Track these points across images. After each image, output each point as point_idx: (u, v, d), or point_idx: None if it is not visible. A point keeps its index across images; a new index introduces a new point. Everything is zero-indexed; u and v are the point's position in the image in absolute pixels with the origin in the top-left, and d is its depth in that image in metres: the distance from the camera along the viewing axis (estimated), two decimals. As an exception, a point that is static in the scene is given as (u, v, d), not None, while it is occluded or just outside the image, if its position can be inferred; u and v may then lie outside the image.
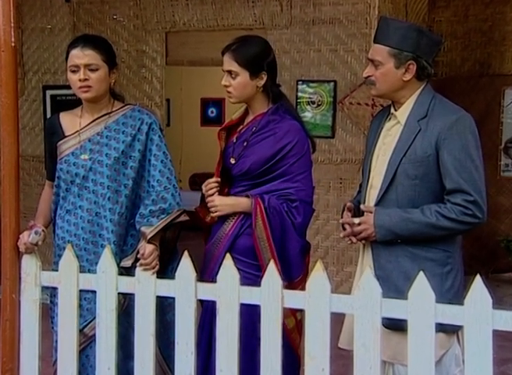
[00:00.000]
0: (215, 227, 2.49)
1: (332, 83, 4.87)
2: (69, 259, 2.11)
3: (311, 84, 4.92)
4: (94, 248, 2.35)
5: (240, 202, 2.40)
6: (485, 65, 5.91)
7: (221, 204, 2.41)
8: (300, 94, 4.91)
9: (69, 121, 2.47)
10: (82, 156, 2.40)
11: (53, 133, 2.48)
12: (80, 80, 2.34)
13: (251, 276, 2.31)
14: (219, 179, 2.48)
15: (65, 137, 2.44)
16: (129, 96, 5.45)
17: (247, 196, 2.39)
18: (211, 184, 2.45)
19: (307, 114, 4.87)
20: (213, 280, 1.98)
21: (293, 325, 2.39)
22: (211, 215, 2.46)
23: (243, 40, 2.47)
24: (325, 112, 4.92)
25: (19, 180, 2.25)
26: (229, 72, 2.41)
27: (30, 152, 5.56)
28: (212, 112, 9.33)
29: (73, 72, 2.37)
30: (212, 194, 2.43)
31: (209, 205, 2.44)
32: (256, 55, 2.41)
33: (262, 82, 2.42)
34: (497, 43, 5.86)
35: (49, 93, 5.51)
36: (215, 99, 9.14)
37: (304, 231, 2.45)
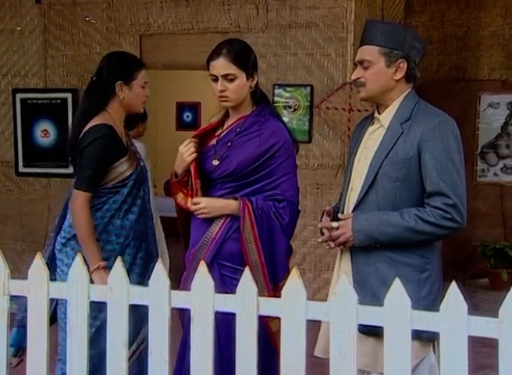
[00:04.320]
0: (198, 231, 2.44)
1: (308, 88, 4.87)
2: (38, 267, 2.05)
3: (288, 89, 4.91)
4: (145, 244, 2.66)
5: (229, 204, 2.36)
6: (461, 70, 5.97)
7: (209, 206, 2.36)
8: (276, 98, 4.90)
9: (120, 133, 2.64)
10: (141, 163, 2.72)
11: (118, 146, 2.59)
12: None
13: (237, 282, 2.28)
14: (196, 140, 2.43)
15: (127, 149, 2.65)
16: (103, 100, 5.38)
17: (235, 198, 2.36)
18: (191, 148, 2.40)
19: (284, 119, 4.83)
20: None
21: (278, 328, 2.37)
22: (198, 216, 2.39)
23: (229, 43, 2.46)
24: (302, 117, 4.91)
25: (-13, 186, 2.19)
26: (226, 76, 2.37)
27: (-1, 157, 5.48)
28: (188, 116, 9.29)
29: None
30: (192, 159, 2.40)
31: (195, 207, 2.38)
32: (248, 56, 2.43)
33: (254, 82, 2.43)
34: (473, 48, 5.92)
35: (19, 96, 5.43)
36: (190, 103, 9.09)
37: (290, 232, 2.43)
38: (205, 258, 2.34)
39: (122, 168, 2.58)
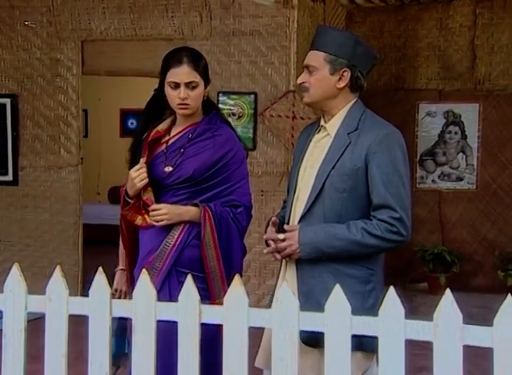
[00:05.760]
0: (153, 240, 2.39)
1: (252, 96, 4.90)
2: (-27, 278, 1.99)
3: (232, 96, 4.93)
4: None
5: (188, 211, 2.34)
6: (400, 79, 6.13)
7: (170, 212, 2.33)
8: (220, 105, 4.90)
9: None
10: None
11: None
12: None
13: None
14: (145, 164, 2.40)
15: None
16: (43, 106, 5.29)
17: (195, 204, 2.35)
18: (142, 174, 2.35)
19: (228, 126, 4.87)
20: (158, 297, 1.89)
21: None
22: (156, 224, 2.36)
23: (186, 50, 2.45)
24: (246, 124, 4.94)
25: None
26: (189, 83, 2.35)
27: None
28: (132, 123, 9.18)
29: None
30: (144, 184, 2.36)
31: (155, 213, 2.34)
32: (205, 63, 2.44)
33: (207, 90, 2.44)
34: (411, 59, 6.09)
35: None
36: (134, 110, 8.99)
37: (244, 236, 2.46)
38: (165, 265, 2.34)
39: None
